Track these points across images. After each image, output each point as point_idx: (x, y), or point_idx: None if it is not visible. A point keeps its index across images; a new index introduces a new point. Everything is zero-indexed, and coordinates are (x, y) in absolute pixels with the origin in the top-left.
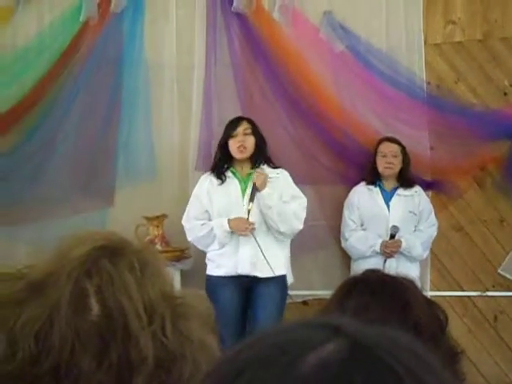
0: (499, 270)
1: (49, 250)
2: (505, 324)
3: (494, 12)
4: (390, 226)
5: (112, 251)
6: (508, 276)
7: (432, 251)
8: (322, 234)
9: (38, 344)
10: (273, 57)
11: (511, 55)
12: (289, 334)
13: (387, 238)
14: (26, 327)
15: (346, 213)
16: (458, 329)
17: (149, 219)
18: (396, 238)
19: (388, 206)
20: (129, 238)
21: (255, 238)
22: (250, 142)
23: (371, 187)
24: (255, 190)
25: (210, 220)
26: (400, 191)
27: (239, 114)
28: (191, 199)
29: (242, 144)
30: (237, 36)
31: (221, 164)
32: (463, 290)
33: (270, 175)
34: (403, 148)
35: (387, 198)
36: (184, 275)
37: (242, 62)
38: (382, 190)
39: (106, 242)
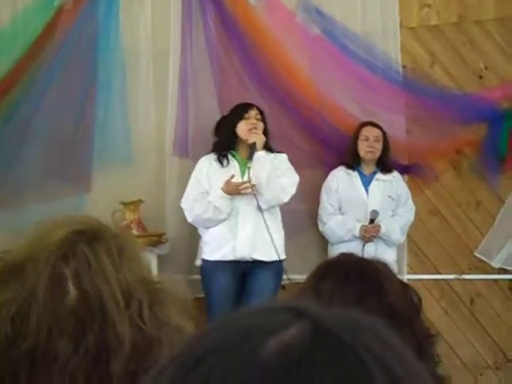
0: (475, 253)
1: (26, 234)
2: (481, 307)
3: None
4: (370, 210)
5: (89, 235)
6: (484, 259)
7: (409, 235)
8: (299, 219)
9: (15, 327)
10: (248, 41)
11: (486, 38)
12: (251, 318)
13: (366, 223)
14: (3, 310)
15: (324, 197)
16: (434, 312)
17: (125, 204)
18: (375, 222)
19: (367, 191)
20: (106, 222)
21: (257, 200)
22: (261, 127)
23: (350, 171)
24: (253, 149)
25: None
26: (379, 176)
27: (215, 99)
28: (191, 181)
29: (254, 126)
30: (212, 20)
31: (224, 146)
32: (440, 273)
33: (269, 155)
34: (384, 133)
35: (366, 182)
36: (161, 260)
37: (217, 46)
38: (361, 175)
39: (84, 227)
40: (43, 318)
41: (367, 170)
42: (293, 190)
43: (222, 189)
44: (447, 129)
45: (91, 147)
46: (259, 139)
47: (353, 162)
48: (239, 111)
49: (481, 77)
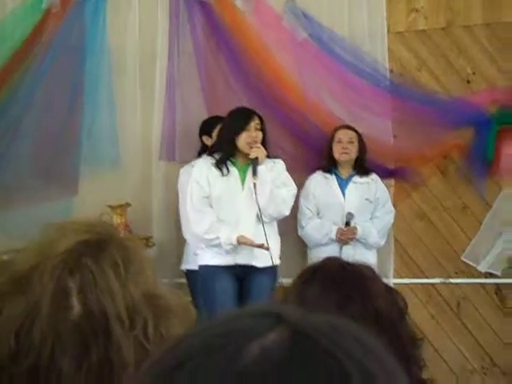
0: (462, 257)
1: (32, 239)
2: (467, 311)
3: (456, 0)
4: (345, 213)
5: (95, 246)
6: (471, 263)
7: (395, 238)
8: (281, 222)
9: (18, 341)
10: (236, 45)
11: (474, 43)
12: (231, 323)
13: (343, 226)
14: (7, 324)
15: (302, 201)
16: (421, 316)
17: (112, 208)
18: (352, 225)
19: (343, 194)
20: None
21: (260, 213)
22: (260, 137)
23: (327, 175)
24: (256, 163)
25: (210, 206)
26: (355, 178)
27: (202, 102)
28: (191, 185)
29: (254, 140)
30: (200, 24)
31: (225, 156)
32: (426, 277)
33: (266, 164)
34: (359, 135)
35: (343, 185)
36: None
37: (204, 50)
38: (338, 178)
39: (90, 236)
40: (46, 333)
41: (344, 173)
42: (292, 202)
43: (238, 239)
44: (434, 133)
45: (79, 150)
46: (261, 153)
47: (329, 165)
48: (240, 121)
49: (468, 81)
